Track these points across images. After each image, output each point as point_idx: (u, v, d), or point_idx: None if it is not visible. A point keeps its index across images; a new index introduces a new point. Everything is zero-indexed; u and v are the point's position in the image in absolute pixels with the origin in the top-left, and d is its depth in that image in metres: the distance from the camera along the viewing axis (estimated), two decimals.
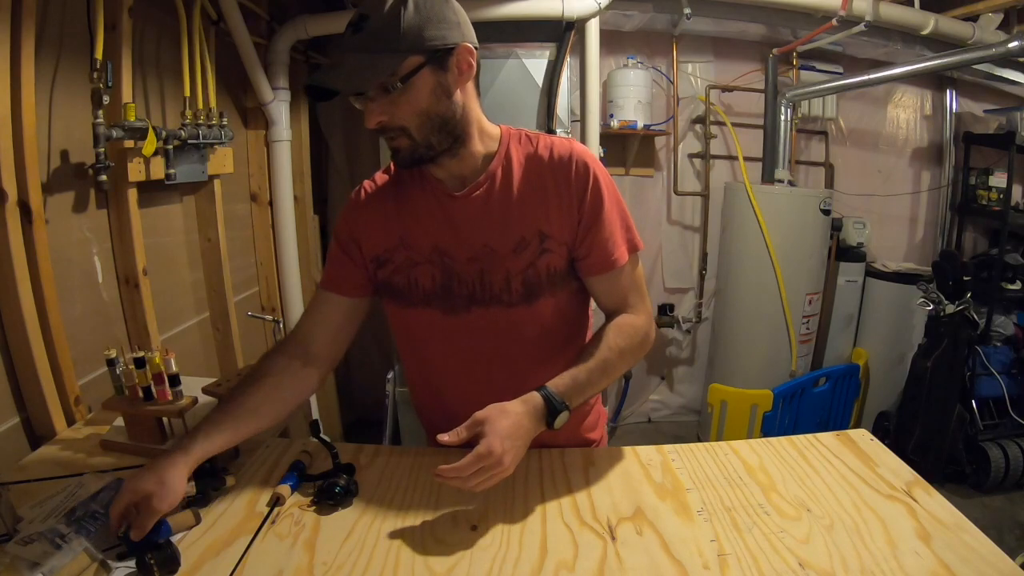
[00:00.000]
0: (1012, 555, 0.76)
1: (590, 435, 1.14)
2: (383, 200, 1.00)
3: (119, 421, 1.13)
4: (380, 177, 1.02)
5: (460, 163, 0.93)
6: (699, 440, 1.84)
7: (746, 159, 3.10)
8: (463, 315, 0.96)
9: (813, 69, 3.10)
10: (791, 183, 2.93)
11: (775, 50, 2.87)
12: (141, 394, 1.06)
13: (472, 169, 0.94)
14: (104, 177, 1.30)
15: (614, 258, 0.96)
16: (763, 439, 1.08)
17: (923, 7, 2.65)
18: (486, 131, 0.95)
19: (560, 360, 0.94)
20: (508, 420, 0.81)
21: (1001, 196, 3.08)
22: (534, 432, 0.85)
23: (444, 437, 0.81)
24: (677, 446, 1.06)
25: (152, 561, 0.73)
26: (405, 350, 1.07)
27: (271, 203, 2.29)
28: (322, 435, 0.99)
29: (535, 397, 0.86)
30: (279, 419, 0.97)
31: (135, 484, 0.79)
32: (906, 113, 3.40)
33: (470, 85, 0.90)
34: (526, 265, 0.94)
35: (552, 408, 0.85)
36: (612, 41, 2.89)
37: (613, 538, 0.82)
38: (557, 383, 0.88)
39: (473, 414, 0.82)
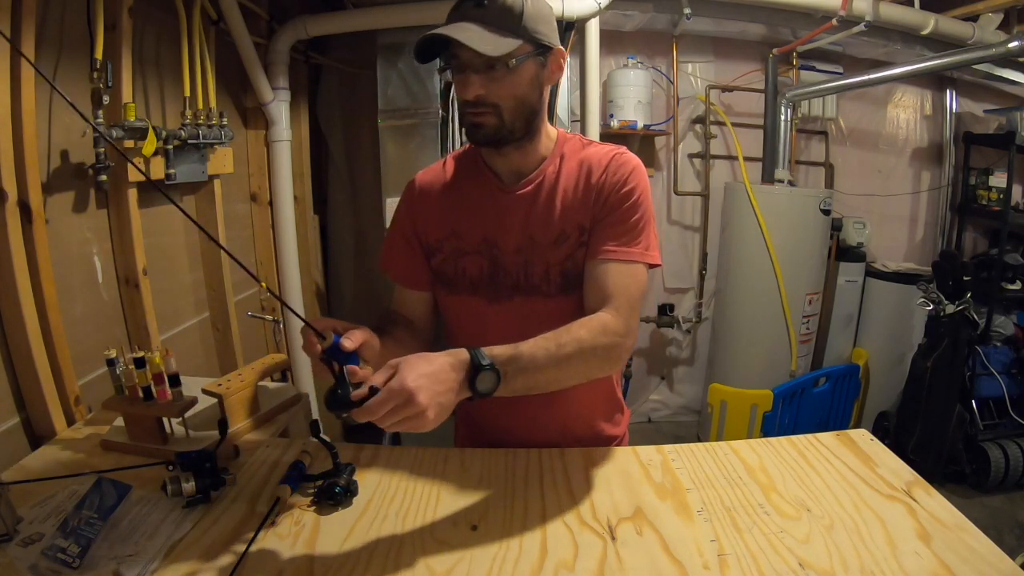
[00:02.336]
0: (1012, 555, 0.76)
1: (611, 430, 1.13)
2: (438, 192, 1.05)
3: (119, 421, 1.14)
4: (435, 169, 1.08)
5: (523, 157, 0.99)
6: (699, 440, 1.85)
7: (746, 159, 3.10)
8: (506, 303, 1.00)
9: (813, 69, 3.10)
10: (791, 183, 2.93)
11: (775, 50, 2.87)
12: (141, 394, 1.06)
13: (530, 165, 1.00)
14: (104, 177, 1.30)
15: (608, 247, 0.94)
16: (763, 439, 1.08)
17: (923, 7, 2.65)
18: (547, 132, 1.01)
19: None
20: (427, 363, 0.77)
21: (1001, 196, 3.08)
22: (458, 386, 0.78)
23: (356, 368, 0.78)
24: (677, 446, 1.06)
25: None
26: (451, 336, 1.10)
27: (271, 203, 2.28)
28: (322, 435, 0.98)
29: (462, 351, 0.80)
30: None
31: (328, 317, 0.83)
32: (906, 113, 3.40)
33: (548, 88, 0.97)
34: (564, 257, 0.97)
35: (476, 363, 0.79)
36: (612, 41, 2.89)
37: (613, 538, 0.82)
38: (494, 347, 0.82)
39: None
